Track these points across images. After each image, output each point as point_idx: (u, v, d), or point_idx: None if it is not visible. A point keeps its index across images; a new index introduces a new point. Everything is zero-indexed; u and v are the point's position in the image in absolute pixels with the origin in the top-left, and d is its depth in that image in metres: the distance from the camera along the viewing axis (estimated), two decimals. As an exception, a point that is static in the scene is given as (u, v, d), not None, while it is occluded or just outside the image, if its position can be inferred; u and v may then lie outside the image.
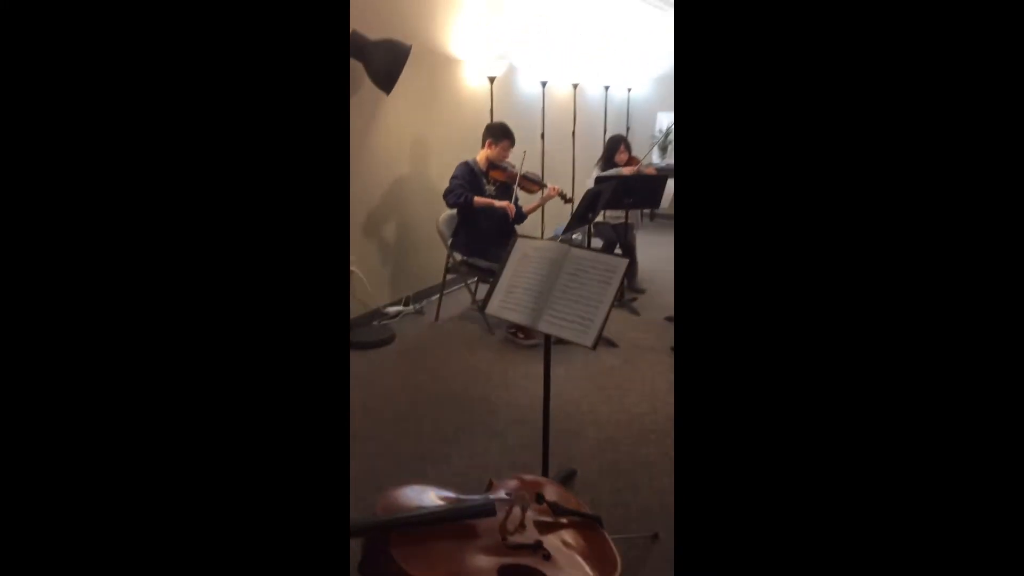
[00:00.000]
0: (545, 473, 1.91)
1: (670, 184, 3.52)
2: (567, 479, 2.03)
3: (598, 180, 3.43)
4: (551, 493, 1.41)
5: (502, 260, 1.86)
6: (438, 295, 3.68)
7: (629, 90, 6.50)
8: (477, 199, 3.21)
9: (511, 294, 1.77)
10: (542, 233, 5.17)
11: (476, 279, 3.55)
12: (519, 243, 1.85)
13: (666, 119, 6.41)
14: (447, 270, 3.56)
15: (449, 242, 3.43)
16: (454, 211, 3.42)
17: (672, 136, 6.31)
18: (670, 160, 6.33)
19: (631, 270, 3.98)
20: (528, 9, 4.66)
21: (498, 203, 3.24)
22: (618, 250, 3.94)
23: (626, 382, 2.76)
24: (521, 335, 3.23)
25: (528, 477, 1.51)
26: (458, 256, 3.42)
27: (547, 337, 1.77)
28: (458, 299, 3.94)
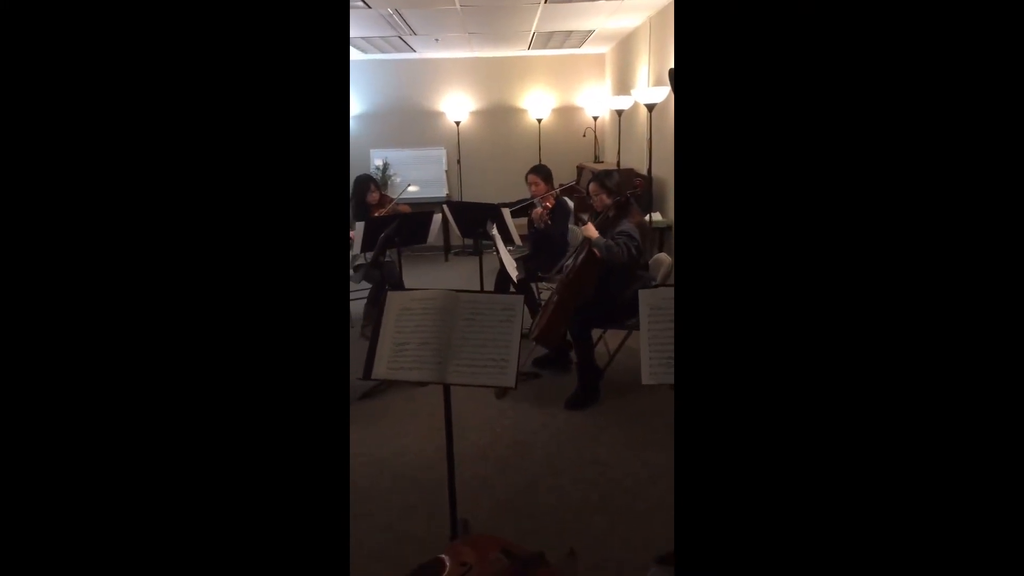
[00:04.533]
0: (454, 534, 1.79)
1: (436, 219, 3.62)
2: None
3: (371, 222, 3.31)
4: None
5: (374, 319, 1.68)
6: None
7: (338, 128, 6.40)
8: None
9: (402, 353, 1.62)
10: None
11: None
12: (392, 297, 1.70)
13: (379, 156, 6.51)
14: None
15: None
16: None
17: (390, 171, 6.45)
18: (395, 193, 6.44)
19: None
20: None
21: None
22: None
23: (479, 415, 2.71)
24: (325, 398, 2.90)
25: (478, 540, 1.42)
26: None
27: (446, 389, 1.68)
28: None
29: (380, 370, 1.62)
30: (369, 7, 3.80)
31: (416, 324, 1.63)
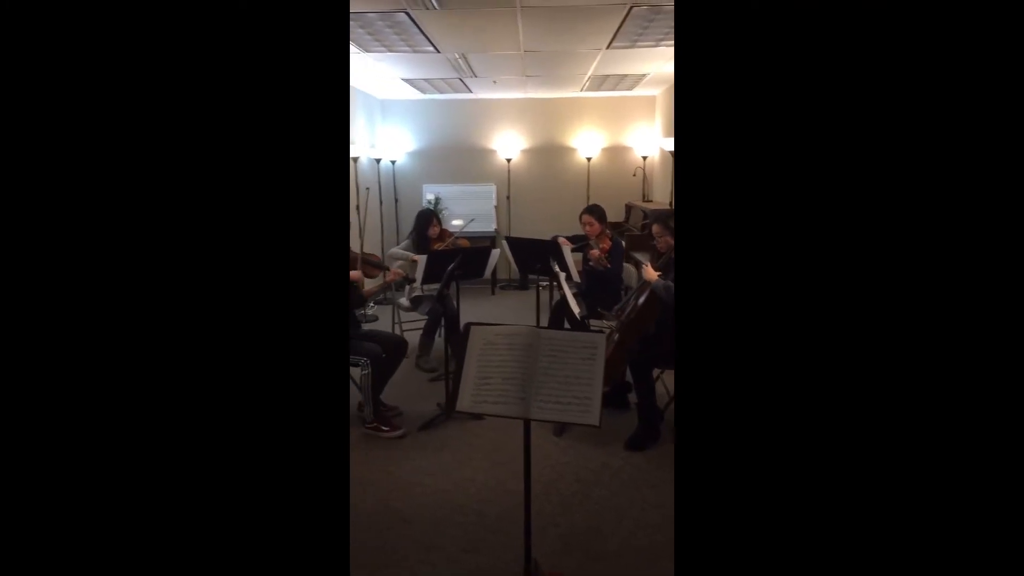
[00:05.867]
0: (528, 572, 1.79)
1: (493, 254, 3.70)
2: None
3: (433, 256, 3.40)
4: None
5: (458, 353, 1.73)
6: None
7: (393, 163, 6.63)
8: None
9: (485, 387, 1.66)
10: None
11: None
12: (476, 331, 1.75)
13: (431, 190, 6.70)
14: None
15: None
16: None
17: (441, 206, 6.62)
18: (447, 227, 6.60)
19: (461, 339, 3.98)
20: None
21: (352, 273, 2.95)
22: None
23: (539, 451, 2.68)
24: (386, 428, 2.95)
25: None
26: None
27: (527, 424, 1.70)
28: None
29: (464, 403, 1.66)
30: (438, 52, 3.98)
31: (500, 359, 1.68)
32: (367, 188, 4.82)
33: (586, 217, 3.76)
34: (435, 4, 2.91)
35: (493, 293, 6.45)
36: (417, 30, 3.40)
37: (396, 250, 3.92)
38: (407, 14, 3.08)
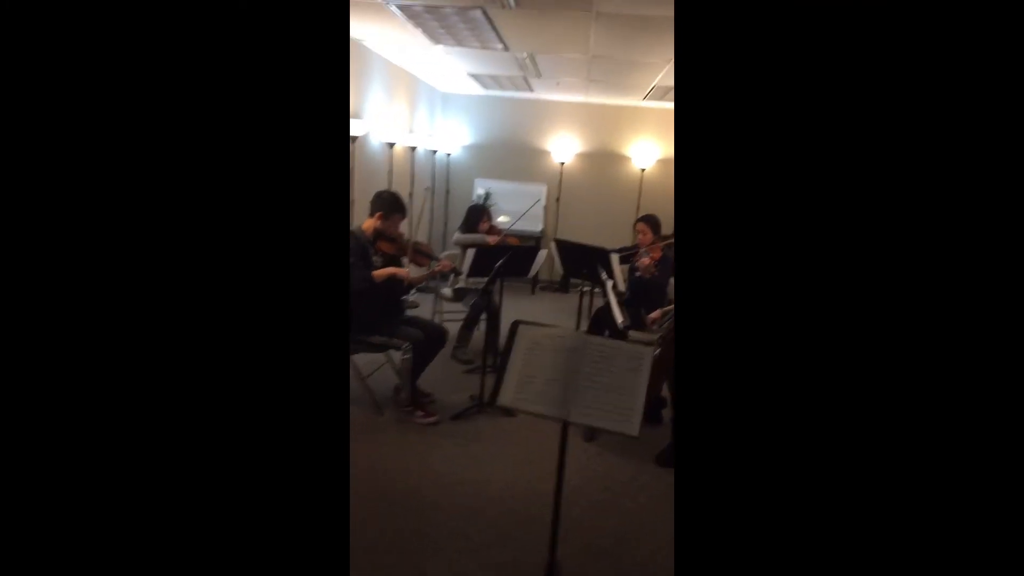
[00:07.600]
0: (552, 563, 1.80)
1: (541, 254, 3.72)
2: None
3: (482, 251, 3.44)
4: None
5: (504, 348, 1.76)
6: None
7: (448, 155, 6.72)
8: (375, 273, 2.94)
9: (529, 385, 1.68)
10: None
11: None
12: (523, 331, 1.77)
13: (482, 185, 6.76)
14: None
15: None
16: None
17: (490, 201, 6.67)
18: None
19: (496, 337, 4.01)
20: (377, 74, 4.57)
21: (399, 271, 3.02)
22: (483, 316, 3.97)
23: (568, 454, 2.74)
24: (420, 413, 3.01)
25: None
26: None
27: (564, 425, 1.72)
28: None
29: (506, 398, 1.68)
30: (507, 50, 4.02)
31: (545, 360, 1.69)
32: (426, 188, 4.87)
33: (640, 225, 3.73)
34: (511, 2, 2.94)
35: (533, 293, 6.47)
36: (490, 27, 3.44)
37: (464, 236, 3.98)
38: (483, 11, 3.12)
